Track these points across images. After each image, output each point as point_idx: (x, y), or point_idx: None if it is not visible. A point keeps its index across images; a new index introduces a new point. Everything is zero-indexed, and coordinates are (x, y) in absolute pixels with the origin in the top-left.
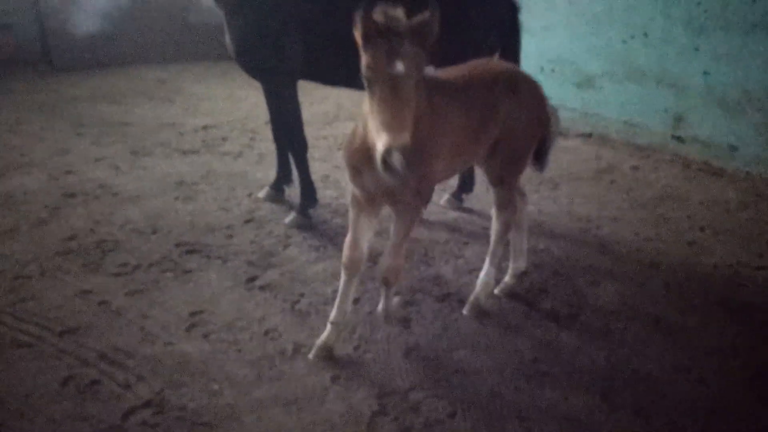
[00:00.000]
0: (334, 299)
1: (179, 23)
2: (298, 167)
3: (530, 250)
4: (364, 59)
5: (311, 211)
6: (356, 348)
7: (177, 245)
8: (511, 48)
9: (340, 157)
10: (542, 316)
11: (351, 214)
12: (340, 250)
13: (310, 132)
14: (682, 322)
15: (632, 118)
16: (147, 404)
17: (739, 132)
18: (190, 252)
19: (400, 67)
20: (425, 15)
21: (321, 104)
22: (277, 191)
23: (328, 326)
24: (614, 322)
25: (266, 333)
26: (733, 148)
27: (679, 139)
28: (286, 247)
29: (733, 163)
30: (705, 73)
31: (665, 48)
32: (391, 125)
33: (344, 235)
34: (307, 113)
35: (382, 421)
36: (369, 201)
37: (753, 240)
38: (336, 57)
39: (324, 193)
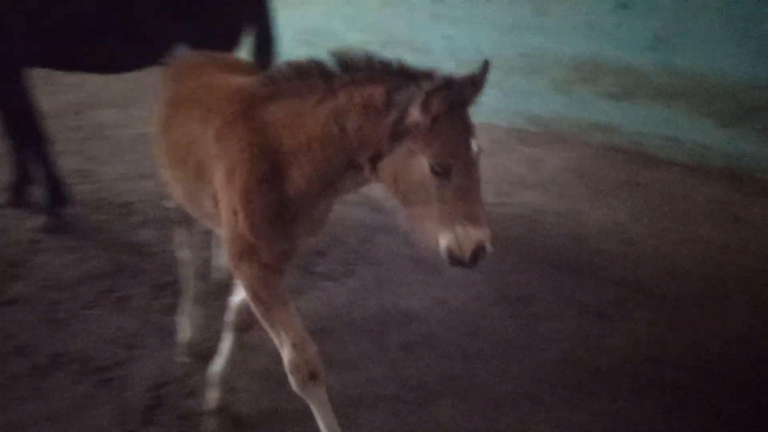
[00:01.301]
0: (96, 300)
1: None
2: (43, 164)
3: None
4: (437, 145)
5: (64, 210)
6: (128, 347)
7: None
8: (264, 22)
9: (96, 150)
10: (320, 278)
11: (275, 303)
12: (102, 248)
13: (57, 124)
14: (438, 261)
15: None
16: None
17: None
18: None
19: (475, 145)
20: (481, 71)
21: (68, 93)
22: (16, 194)
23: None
24: (384, 271)
25: (17, 350)
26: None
27: None
28: (35, 253)
29: (473, 117)
30: (445, 37)
31: (412, 16)
32: (475, 216)
33: (106, 231)
34: (51, 103)
35: (159, 413)
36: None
37: (496, 182)
38: (78, 40)
39: (78, 189)
